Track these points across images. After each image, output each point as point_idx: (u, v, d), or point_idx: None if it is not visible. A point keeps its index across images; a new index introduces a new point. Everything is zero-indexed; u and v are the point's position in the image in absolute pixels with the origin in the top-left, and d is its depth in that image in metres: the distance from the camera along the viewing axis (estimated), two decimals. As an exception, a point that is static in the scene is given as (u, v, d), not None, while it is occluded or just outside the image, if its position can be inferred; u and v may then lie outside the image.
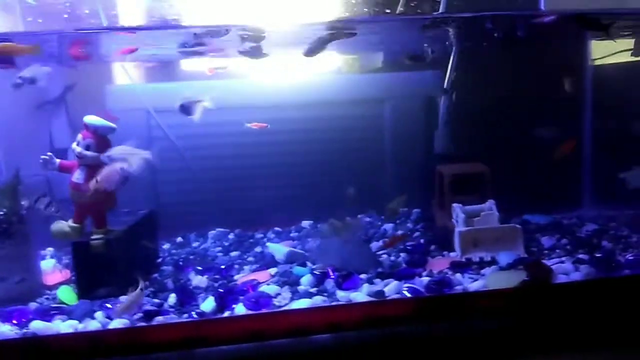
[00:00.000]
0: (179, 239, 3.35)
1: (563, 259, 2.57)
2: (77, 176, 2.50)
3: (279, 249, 2.82)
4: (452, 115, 3.48)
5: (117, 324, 2.19)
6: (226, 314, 2.26)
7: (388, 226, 3.33)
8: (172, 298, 2.39)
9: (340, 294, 2.35)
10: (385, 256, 2.81)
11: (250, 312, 2.25)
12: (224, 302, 2.32)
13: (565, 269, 2.45)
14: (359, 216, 3.25)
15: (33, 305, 2.42)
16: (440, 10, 2.96)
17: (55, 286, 2.62)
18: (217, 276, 2.67)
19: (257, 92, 3.64)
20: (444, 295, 2.28)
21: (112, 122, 2.77)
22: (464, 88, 3.48)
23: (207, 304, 2.32)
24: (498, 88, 3.48)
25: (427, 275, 2.49)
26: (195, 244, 3.29)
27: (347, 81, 3.75)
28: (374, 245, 2.99)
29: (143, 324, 2.20)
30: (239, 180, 3.60)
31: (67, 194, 3.81)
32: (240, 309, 2.28)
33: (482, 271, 2.53)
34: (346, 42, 3.36)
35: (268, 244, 2.98)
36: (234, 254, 3.06)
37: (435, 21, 3.01)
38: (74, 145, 2.51)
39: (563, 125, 3.50)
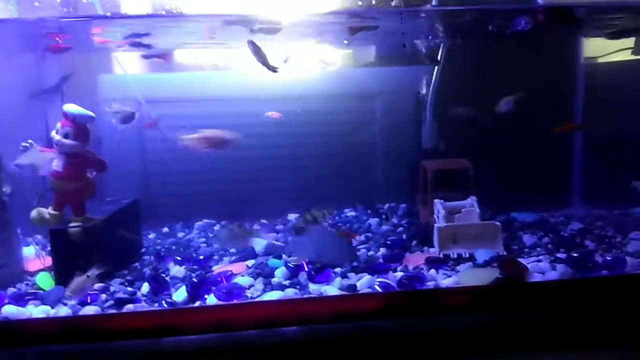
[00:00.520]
0: (165, 229, 3.38)
1: (541, 257, 2.54)
2: (56, 164, 2.52)
3: (258, 241, 2.83)
4: (439, 110, 3.46)
5: (87, 310, 2.22)
6: (197, 304, 2.29)
7: (373, 221, 3.33)
8: (145, 287, 2.41)
9: (312, 287, 2.35)
10: (364, 250, 2.81)
11: (220, 302, 2.27)
12: (195, 292, 2.34)
13: (541, 268, 2.43)
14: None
15: (11, 290, 2.46)
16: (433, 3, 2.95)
17: (37, 272, 2.66)
18: (195, 267, 2.69)
19: (247, 85, 3.66)
20: (415, 291, 2.27)
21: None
22: (452, 83, 3.45)
23: (179, 294, 2.34)
24: (488, 83, 3.45)
25: (401, 271, 2.49)
26: (180, 235, 3.31)
27: (338, 76, 3.76)
28: (359, 240, 3.00)
29: (113, 311, 2.24)
30: (228, 172, 3.61)
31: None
32: (212, 300, 2.31)
33: (458, 268, 2.52)
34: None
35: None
36: (217, 245, 3.08)
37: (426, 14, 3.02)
38: (53, 133, 2.54)
39: (553, 121, 3.46)
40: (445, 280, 2.38)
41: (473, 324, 2.25)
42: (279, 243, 2.84)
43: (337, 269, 2.51)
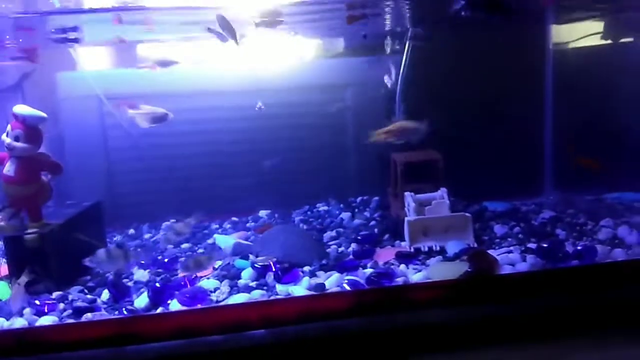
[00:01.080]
0: (131, 231, 3.28)
1: (511, 248, 2.51)
2: (8, 168, 2.41)
3: (226, 241, 2.75)
4: (410, 100, 3.40)
5: (44, 321, 2.13)
6: (159, 310, 2.21)
7: (345, 215, 3.27)
8: (105, 294, 2.33)
9: (280, 287, 2.29)
10: (334, 247, 2.76)
11: (184, 307, 2.20)
12: (158, 297, 2.26)
13: (511, 260, 2.39)
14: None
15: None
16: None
17: (-4, 281, 2.56)
18: (159, 270, 2.61)
19: (215, 79, 3.56)
20: (384, 288, 2.22)
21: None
22: (421, 73, 3.40)
23: (141, 300, 2.26)
24: (458, 73, 3.40)
25: (371, 267, 2.44)
26: (146, 236, 3.22)
27: (308, 67, 3.68)
28: (327, 235, 2.95)
29: (71, 320, 2.15)
30: (196, 169, 3.53)
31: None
32: (175, 305, 2.23)
33: (428, 262, 2.48)
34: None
35: (215, 235, 2.90)
36: (184, 245, 2.98)
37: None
38: (4, 136, 2.42)
39: (524, 109, 3.44)
40: (415, 275, 2.34)
41: (444, 319, 2.22)
42: (246, 242, 2.76)
43: (306, 268, 2.46)
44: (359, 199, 3.51)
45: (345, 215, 3.26)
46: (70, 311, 2.18)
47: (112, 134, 3.50)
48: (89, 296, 2.33)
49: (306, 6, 2.90)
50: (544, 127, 3.49)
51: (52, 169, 2.49)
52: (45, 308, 2.19)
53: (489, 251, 2.53)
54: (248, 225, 3.29)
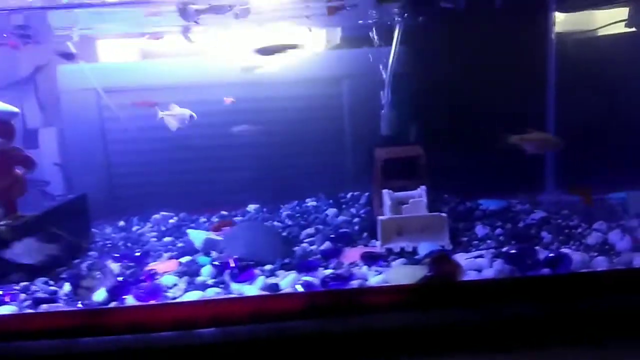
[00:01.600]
0: (122, 223, 3.34)
1: (482, 252, 2.37)
2: (-18, 162, 2.49)
3: (197, 236, 2.75)
4: (404, 94, 3.27)
5: (3, 310, 2.19)
6: (113, 304, 2.23)
7: (331, 211, 3.20)
8: (67, 286, 2.37)
9: (234, 286, 2.26)
10: (305, 245, 2.70)
11: (137, 303, 2.21)
12: (116, 291, 2.28)
13: (479, 265, 2.26)
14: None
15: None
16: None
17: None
18: (131, 264, 2.64)
19: (210, 71, 3.56)
20: (335, 291, 2.15)
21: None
22: (414, 65, 3.25)
23: (100, 294, 2.29)
24: (454, 65, 3.24)
25: (333, 268, 2.36)
26: (135, 228, 3.26)
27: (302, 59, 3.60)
28: (305, 232, 2.89)
29: (30, 311, 2.20)
30: (189, 162, 3.55)
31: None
32: (131, 300, 2.24)
33: (393, 263, 2.39)
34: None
35: (188, 230, 2.91)
36: (167, 239, 3.01)
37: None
38: (-23, 131, 2.50)
39: (524, 104, 3.23)
40: (374, 278, 2.25)
41: (398, 324, 2.12)
42: (218, 237, 2.74)
43: (268, 267, 2.42)
44: (349, 194, 3.42)
45: (331, 211, 3.19)
46: (30, 302, 2.24)
47: (110, 126, 3.57)
48: (52, 288, 2.38)
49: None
50: (546, 120, 3.27)
51: (25, 163, 2.56)
52: (7, 298, 2.26)
53: (461, 254, 2.42)
54: (236, 219, 3.28)
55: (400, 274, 2.21)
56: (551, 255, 2.18)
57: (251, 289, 2.22)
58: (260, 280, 2.26)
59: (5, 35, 2.93)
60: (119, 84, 3.54)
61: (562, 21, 3.24)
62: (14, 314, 2.16)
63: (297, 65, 3.50)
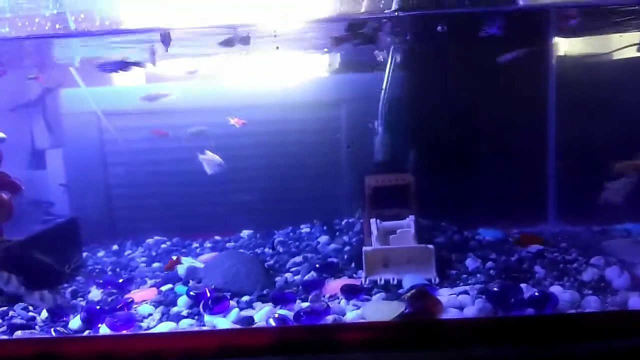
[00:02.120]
0: (115, 247, 3.34)
1: (468, 288, 2.26)
2: (-33, 187, 2.52)
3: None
4: (398, 120, 3.19)
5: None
6: (86, 333, 2.20)
7: (323, 238, 3.13)
8: (44, 312, 2.35)
9: (207, 318, 2.21)
10: (290, 274, 2.63)
11: (108, 332, 2.17)
12: (91, 320, 2.25)
13: (461, 302, 2.15)
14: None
15: None
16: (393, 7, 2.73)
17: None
18: (114, 290, 2.62)
19: (209, 96, 3.56)
20: (305, 326, 2.07)
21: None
22: (410, 91, 3.18)
23: (75, 321, 2.27)
24: (452, 91, 3.16)
25: (310, 301, 2.29)
26: (127, 253, 3.25)
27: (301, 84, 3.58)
28: (292, 261, 2.83)
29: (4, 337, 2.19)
30: (186, 186, 3.53)
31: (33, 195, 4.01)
32: (104, 329, 2.21)
33: (373, 298, 2.29)
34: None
35: (173, 257, 2.87)
36: (156, 265, 2.99)
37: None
38: (-39, 156, 2.53)
39: (525, 130, 3.12)
40: (351, 312, 2.17)
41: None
42: (201, 265, 2.70)
43: (245, 298, 2.36)
44: (344, 221, 3.35)
45: (323, 239, 3.12)
46: (5, 327, 2.23)
47: (109, 149, 3.60)
48: (30, 313, 2.37)
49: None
50: (547, 150, 3.14)
51: (11, 188, 2.58)
52: (-17, 324, 2.25)
53: (446, 289, 2.32)
54: (227, 245, 3.25)
55: (376, 309, 2.12)
56: (536, 294, 2.06)
57: (224, 322, 2.17)
58: (234, 313, 2.21)
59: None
60: (120, 107, 3.58)
61: (562, 46, 3.14)
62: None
63: (295, 89, 3.48)
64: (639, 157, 2.56)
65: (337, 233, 3.21)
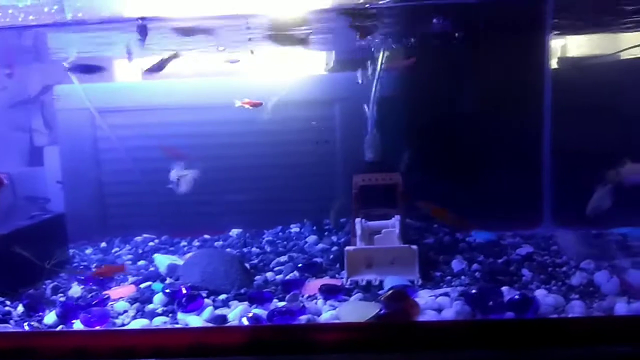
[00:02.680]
0: (103, 244, 3.31)
1: (448, 290, 2.19)
2: (-52, 182, 2.52)
3: (162, 261, 2.68)
4: (389, 119, 3.13)
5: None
6: (59, 328, 2.18)
7: (311, 238, 3.08)
8: (20, 307, 2.33)
9: (180, 316, 2.17)
10: (270, 274, 2.58)
11: (81, 328, 2.15)
12: (65, 315, 2.23)
13: (440, 304, 2.08)
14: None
15: None
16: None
17: None
18: (94, 287, 2.59)
19: (201, 93, 3.53)
20: (278, 326, 2.02)
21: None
22: (402, 90, 3.12)
23: (50, 317, 2.24)
24: (442, 89, 3.09)
25: (288, 300, 2.24)
26: (114, 250, 3.23)
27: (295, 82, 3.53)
28: (278, 260, 2.78)
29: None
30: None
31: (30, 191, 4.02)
32: (78, 325, 2.19)
33: (351, 298, 2.23)
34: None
35: (155, 255, 2.84)
36: (141, 263, 2.95)
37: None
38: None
39: (520, 131, 3.03)
40: (326, 313, 2.11)
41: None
42: (181, 262, 2.66)
43: (222, 296, 2.31)
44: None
45: (312, 238, 3.07)
46: (-20, 322, 2.22)
47: (103, 146, 3.59)
48: (7, 308, 2.35)
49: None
50: (542, 151, 3.05)
51: (-7, 183, 2.57)
52: (-42, 319, 2.24)
53: (427, 291, 2.25)
54: (216, 244, 3.21)
55: (351, 310, 2.06)
56: (516, 297, 1.98)
57: (196, 320, 2.12)
58: (208, 311, 2.16)
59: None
60: (115, 104, 3.57)
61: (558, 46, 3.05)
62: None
63: (289, 88, 3.44)
64: (623, 163, 2.47)
65: (326, 233, 3.16)
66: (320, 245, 2.97)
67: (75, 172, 3.59)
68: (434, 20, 2.72)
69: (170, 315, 2.20)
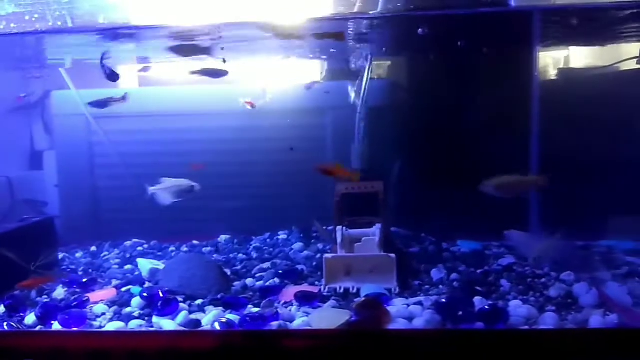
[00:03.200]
0: (93, 248, 3.35)
1: (422, 299, 2.18)
2: None
3: (144, 265, 2.70)
4: (376, 128, 3.14)
5: None
6: (37, 328, 2.21)
7: (297, 245, 3.08)
8: (1, 308, 2.37)
9: (155, 320, 2.18)
10: (251, 280, 2.59)
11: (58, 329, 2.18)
12: (45, 316, 2.26)
13: (412, 313, 2.07)
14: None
15: None
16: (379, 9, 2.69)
17: None
18: (78, 290, 2.62)
19: (193, 100, 3.57)
20: (247, 332, 2.03)
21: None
22: (390, 100, 3.13)
23: (30, 317, 2.27)
24: (434, 100, 3.09)
25: (262, 306, 2.24)
26: (103, 254, 3.26)
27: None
28: (261, 267, 2.79)
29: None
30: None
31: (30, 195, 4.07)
32: (56, 326, 2.22)
33: (326, 305, 2.23)
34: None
35: (138, 259, 2.86)
36: (128, 267, 2.98)
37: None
38: None
39: (508, 141, 3.02)
40: (298, 320, 2.11)
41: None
42: (162, 267, 2.68)
43: (199, 301, 2.32)
44: (314, 228, 3.28)
45: (298, 245, 3.08)
46: (-40, 322, 2.25)
47: (98, 151, 3.64)
48: (-10, 309, 2.39)
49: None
50: (529, 161, 3.03)
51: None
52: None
53: (402, 299, 2.24)
54: (204, 249, 3.23)
55: (322, 317, 2.06)
56: (486, 307, 1.97)
57: (170, 324, 2.14)
58: (182, 315, 2.18)
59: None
60: (110, 110, 3.61)
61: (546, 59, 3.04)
62: None
63: (282, 96, 3.46)
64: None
65: (313, 240, 3.17)
66: (306, 253, 2.98)
67: (70, 176, 3.66)
68: (419, 31, 2.72)
69: (146, 318, 2.22)
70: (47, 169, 4.02)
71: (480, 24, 2.81)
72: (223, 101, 3.48)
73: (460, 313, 1.94)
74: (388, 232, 2.70)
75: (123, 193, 3.58)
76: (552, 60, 3.13)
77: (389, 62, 3.19)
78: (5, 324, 2.21)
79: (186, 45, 2.77)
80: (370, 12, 2.74)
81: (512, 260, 2.63)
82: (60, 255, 3.14)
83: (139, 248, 3.29)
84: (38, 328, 2.21)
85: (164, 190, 2.82)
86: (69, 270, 2.96)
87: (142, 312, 2.27)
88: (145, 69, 3.61)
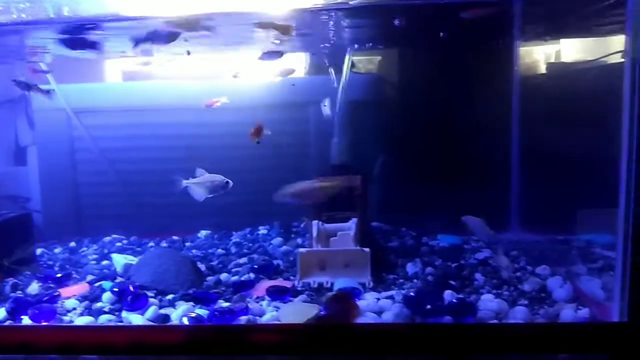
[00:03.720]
0: (72, 244, 3.33)
1: (394, 293, 2.16)
2: None
3: (119, 261, 2.68)
4: (355, 123, 3.11)
5: None
6: (7, 323, 2.19)
7: (276, 241, 3.06)
8: (-28, 304, 2.35)
9: (124, 314, 2.17)
10: (225, 275, 2.57)
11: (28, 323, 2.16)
12: (15, 311, 2.24)
13: (381, 307, 2.06)
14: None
15: None
16: None
17: None
18: (52, 285, 2.60)
19: (179, 95, 3.53)
20: (214, 326, 2.01)
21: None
22: (369, 94, 3.10)
23: (1, 312, 2.26)
24: (409, 93, 3.07)
25: (233, 301, 2.22)
26: (82, 250, 3.24)
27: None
28: (236, 262, 2.77)
29: None
30: (151, 185, 3.51)
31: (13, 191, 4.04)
32: (26, 320, 2.20)
33: (297, 299, 2.21)
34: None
35: (112, 254, 2.84)
36: (105, 262, 2.96)
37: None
38: None
39: (489, 137, 3.00)
40: (268, 314, 2.09)
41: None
42: (135, 262, 2.66)
43: (170, 296, 2.30)
44: (303, 224, 3.27)
45: (277, 240, 3.06)
46: None
47: (79, 146, 3.61)
48: (-40, 304, 2.37)
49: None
50: (510, 157, 3.01)
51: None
52: None
53: (375, 293, 2.22)
54: (185, 245, 3.21)
55: (291, 311, 2.05)
56: (454, 301, 1.95)
57: (139, 319, 2.12)
58: (152, 310, 2.16)
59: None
60: (92, 105, 3.59)
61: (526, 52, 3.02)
62: None
63: (264, 91, 3.44)
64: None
65: (292, 235, 3.15)
66: (285, 248, 2.96)
67: (51, 171, 3.63)
68: (396, 22, 2.69)
69: (116, 313, 2.20)
70: (30, 164, 4.00)
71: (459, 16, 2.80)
72: (204, 96, 3.46)
73: (429, 307, 1.92)
74: (365, 227, 2.68)
75: (103, 189, 3.57)
76: (532, 53, 3.10)
77: (367, 56, 3.16)
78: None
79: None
80: (350, 2, 2.72)
81: (488, 254, 2.61)
82: (39, 251, 3.13)
83: (118, 244, 3.26)
84: (7, 323, 2.20)
85: (199, 184, 2.75)
86: (45, 265, 2.94)
87: (112, 307, 2.25)
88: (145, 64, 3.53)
